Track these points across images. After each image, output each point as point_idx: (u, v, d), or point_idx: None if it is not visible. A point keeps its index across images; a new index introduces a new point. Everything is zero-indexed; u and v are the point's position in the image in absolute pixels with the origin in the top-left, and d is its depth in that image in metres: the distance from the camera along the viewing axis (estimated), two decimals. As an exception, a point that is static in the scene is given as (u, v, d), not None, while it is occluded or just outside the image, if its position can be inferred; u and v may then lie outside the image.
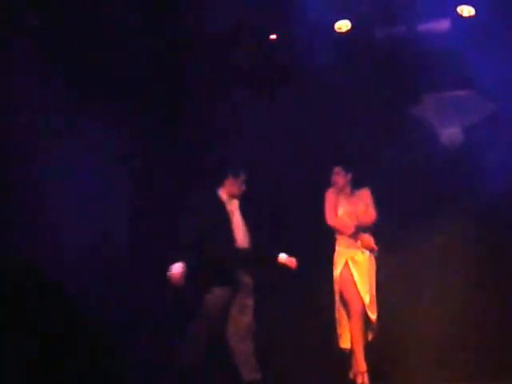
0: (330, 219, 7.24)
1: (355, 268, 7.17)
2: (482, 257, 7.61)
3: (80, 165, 7.31)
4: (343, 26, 7.69)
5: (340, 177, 7.31)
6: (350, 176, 7.31)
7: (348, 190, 7.33)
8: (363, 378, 6.90)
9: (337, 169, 7.32)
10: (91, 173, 7.31)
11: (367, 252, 7.23)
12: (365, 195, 7.34)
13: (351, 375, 7.06)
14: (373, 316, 7.08)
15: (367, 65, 7.71)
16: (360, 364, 6.94)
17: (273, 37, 7.88)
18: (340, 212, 7.27)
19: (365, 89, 7.80)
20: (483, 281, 7.55)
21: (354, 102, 7.82)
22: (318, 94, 7.82)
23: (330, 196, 7.29)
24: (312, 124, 7.87)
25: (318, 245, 7.41)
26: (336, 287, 7.21)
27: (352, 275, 7.15)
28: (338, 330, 7.19)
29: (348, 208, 7.28)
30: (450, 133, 7.83)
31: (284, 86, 7.88)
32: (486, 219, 7.62)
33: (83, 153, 7.31)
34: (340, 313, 7.20)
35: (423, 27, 7.62)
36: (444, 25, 7.58)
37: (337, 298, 7.20)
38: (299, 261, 6.90)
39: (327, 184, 7.29)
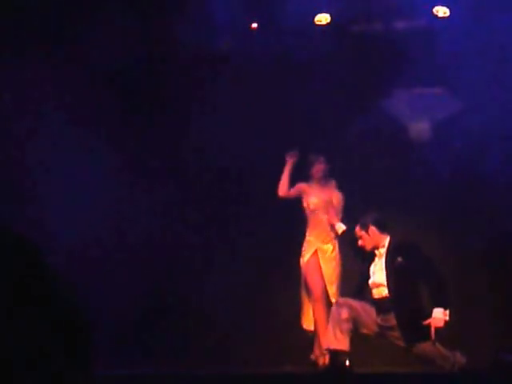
0: (282, 190, 7.41)
1: (323, 259, 7.27)
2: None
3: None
4: (323, 18, 7.86)
5: (322, 166, 7.39)
6: (328, 166, 7.41)
7: (323, 180, 7.43)
8: (325, 360, 6.90)
9: (321, 158, 7.40)
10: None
11: (337, 243, 7.31)
12: (334, 185, 7.45)
13: (313, 356, 7.12)
14: None
15: (343, 57, 7.83)
16: (322, 346, 6.92)
17: (254, 25, 8.06)
18: (314, 201, 7.36)
19: (339, 81, 7.88)
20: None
21: (328, 93, 7.87)
22: (294, 84, 7.89)
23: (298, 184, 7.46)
24: (288, 114, 7.92)
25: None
26: (302, 273, 7.31)
27: (319, 264, 7.24)
28: (301, 312, 7.32)
29: (323, 197, 7.36)
30: (419, 128, 8.07)
31: (260, 76, 7.93)
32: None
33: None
34: (303, 297, 7.31)
35: (399, 25, 7.84)
36: (419, 24, 7.82)
37: (302, 282, 7.31)
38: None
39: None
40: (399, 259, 6.48)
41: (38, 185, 7.50)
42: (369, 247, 6.69)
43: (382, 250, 6.62)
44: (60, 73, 7.52)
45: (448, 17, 7.67)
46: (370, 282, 6.61)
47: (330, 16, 7.87)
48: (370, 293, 6.61)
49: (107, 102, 7.84)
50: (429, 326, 6.26)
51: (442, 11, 7.68)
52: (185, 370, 6.92)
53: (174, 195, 8.08)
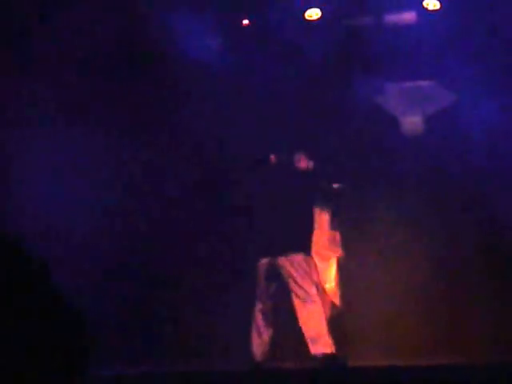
0: None
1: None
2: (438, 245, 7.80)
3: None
4: (313, 13, 7.87)
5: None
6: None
7: None
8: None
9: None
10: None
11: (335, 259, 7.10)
12: None
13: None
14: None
15: (334, 52, 7.80)
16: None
17: (245, 22, 8.07)
18: None
19: (329, 76, 7.97)
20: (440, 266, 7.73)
21: (319, 87, 7.96)
22: (285, 79, 7.85)
23: None
24: (279, 109, 7.88)
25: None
26: None
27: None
28: None
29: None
30: (411, 122, 8.07)
31: (252, 71, 7.94)
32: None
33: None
34: None
35: (390, 18, 7.84)
36: (410, 17, 7.83)
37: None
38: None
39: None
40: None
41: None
42: (303, 164, 6.64)
43: None
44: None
45: (439, 10, 7.66)
46: None
47: (321, 11, 7.87)
48: None
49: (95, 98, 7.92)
50: None
51: (432, 4, 7.68)
52: (159, 369, 6.95)
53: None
